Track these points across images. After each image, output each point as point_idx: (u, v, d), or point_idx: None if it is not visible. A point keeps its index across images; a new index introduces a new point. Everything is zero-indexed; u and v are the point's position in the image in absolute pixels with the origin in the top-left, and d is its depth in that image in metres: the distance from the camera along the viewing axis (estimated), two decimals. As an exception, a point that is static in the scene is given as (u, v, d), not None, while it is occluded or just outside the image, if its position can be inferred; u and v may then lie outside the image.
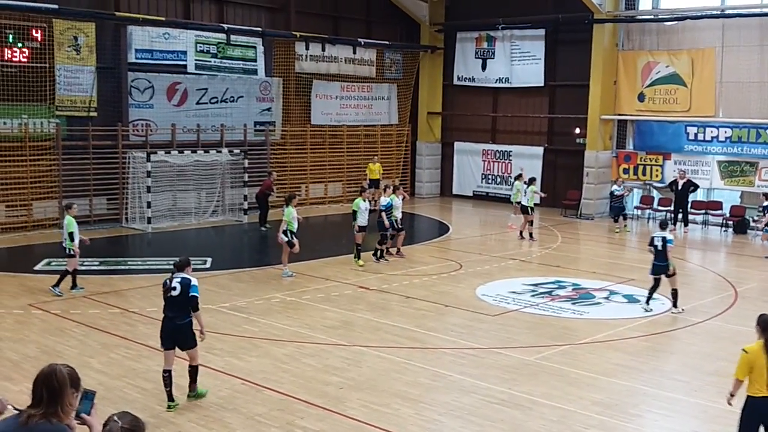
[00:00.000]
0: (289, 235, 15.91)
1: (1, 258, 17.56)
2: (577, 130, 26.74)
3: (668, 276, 13.64)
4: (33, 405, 4.15)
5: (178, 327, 8.91)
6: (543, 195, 22.75)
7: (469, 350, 11.41)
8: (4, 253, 18.03)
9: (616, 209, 23.17)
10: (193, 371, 9.00)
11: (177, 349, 8.99)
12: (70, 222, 13.73)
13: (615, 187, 23.45)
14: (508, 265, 18.05)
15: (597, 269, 17.60)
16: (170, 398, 8.83)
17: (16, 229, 20.16)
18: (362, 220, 17.30)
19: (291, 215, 15.91)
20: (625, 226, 23.29)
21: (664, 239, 13.54)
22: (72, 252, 13.78)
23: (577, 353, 11.40)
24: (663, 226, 14.04)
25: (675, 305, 13.72)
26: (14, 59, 19.97)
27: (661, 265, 13.56)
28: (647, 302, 13.84)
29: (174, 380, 8.89)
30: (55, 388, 4.12)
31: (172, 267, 9.32)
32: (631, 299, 14.83)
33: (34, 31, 20.24)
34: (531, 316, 13.56)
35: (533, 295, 14.99)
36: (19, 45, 20.04)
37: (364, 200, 17.73)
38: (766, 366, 6.78)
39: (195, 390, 9.04)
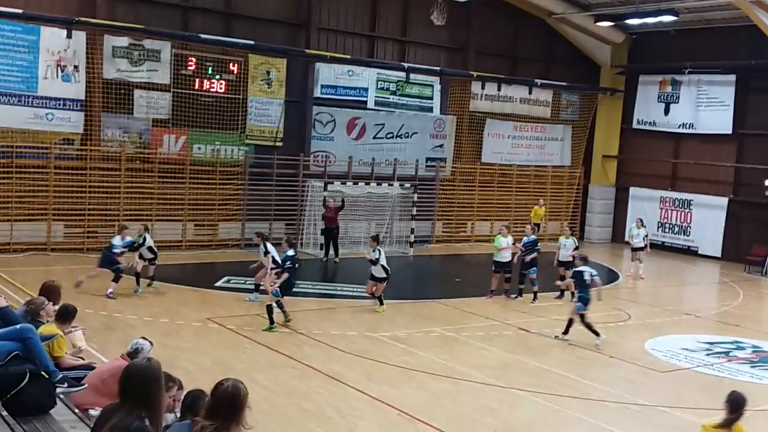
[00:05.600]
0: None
1: (187, 273, 18.92)
2: (767, 182, 24.94)
3: None
4: (208, 416, 4.35)
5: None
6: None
7: (634, 406, 10.90)
8: (190, 269, 19.44)
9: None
10: None
11: None
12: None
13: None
14: (682, 319, 17.08)
15: (782, 333, 16.25)
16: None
17: (202, 247, 21.69)
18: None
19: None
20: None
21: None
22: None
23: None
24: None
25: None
26: (212, 90, 21.71)
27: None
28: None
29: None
30: (236, 408, 4.34)
31: None
32: (820, 369, 13.55)
33: (231, 64, 21.93)
34: (704, 376, 12.75)
35: (708, 354, 14.08)
36: (217, 77, 21.77)
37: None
38: None
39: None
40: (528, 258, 17.60)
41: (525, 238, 18.00)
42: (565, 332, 14.22)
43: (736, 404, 6.03)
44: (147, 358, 4.74)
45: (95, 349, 10.25)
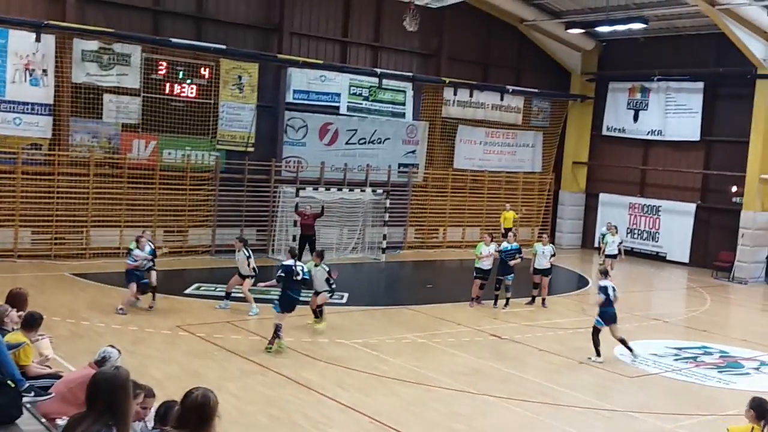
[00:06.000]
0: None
1: (156, 280, 18.68)
2: (734, 189, 25.37)
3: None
4: (178, 425, 4.32)
5: None
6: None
7: (603, 411, 11.00)
8: (159, 276, 19.13)
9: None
10: None
11: None
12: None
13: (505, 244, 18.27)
14: (651, 325, 17.27)
15: (748, 337, 16.50)
16: None
17: (171, 254, 21.37)
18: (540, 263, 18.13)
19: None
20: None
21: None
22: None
23: (721, 426, 10.68)
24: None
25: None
26: (183, 95, 21.53)
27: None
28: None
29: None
30: (206, 417, 4.31)
31: None
32: (785, 373, 13.79)
33: (202, 69, 21.77)
34: (672, 381, 12.91)
35: (676, 359, 14.26)
36: (188, 82, 21.61)
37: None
38: None
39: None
40: (512, 263, 17.58)
41: (506, 244, 17.96)
42: (630, 349, 13.82)
43: (761, 409, 6.03)
44: (115, 367, 4.69)
45: (62, 357, 10.08)
